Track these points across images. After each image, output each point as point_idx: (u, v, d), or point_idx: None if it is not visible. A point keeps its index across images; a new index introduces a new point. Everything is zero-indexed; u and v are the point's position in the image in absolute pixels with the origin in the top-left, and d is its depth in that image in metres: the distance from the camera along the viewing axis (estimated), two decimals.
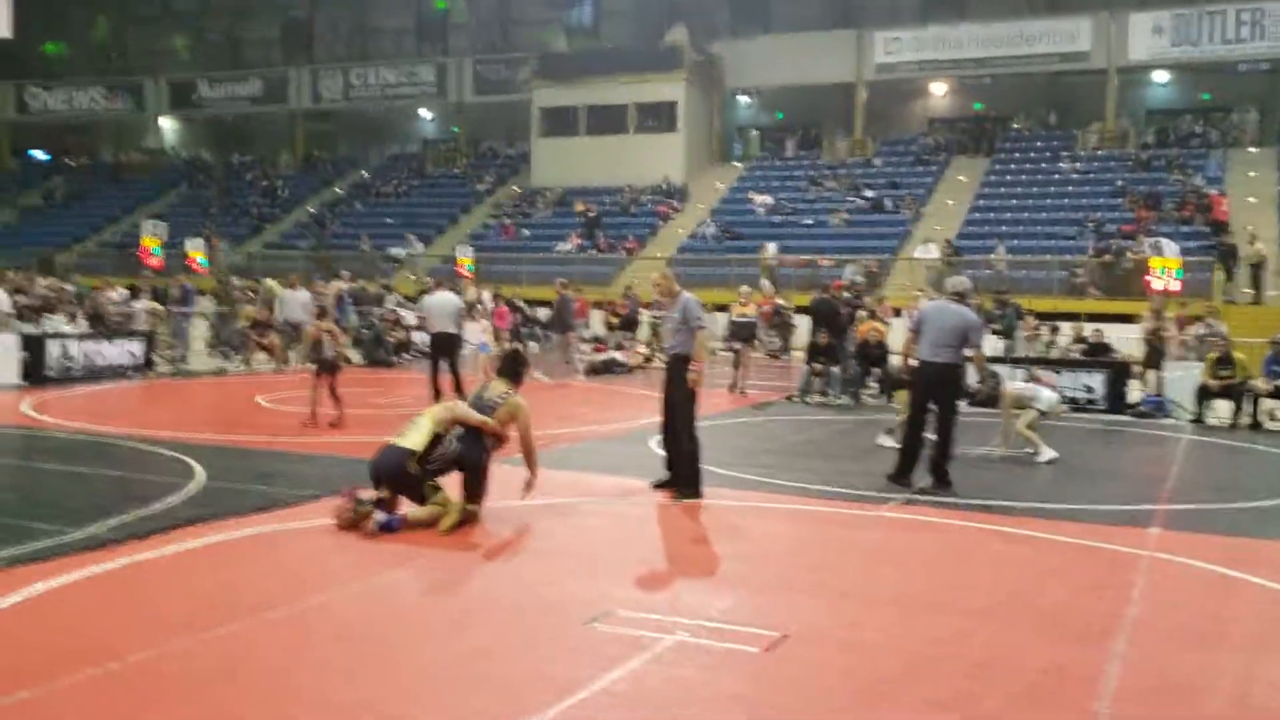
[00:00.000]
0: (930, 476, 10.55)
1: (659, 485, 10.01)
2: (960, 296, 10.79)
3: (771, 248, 33.89)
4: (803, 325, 29.32)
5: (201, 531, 7.96)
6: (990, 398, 13.57)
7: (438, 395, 15.29)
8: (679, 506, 9.51)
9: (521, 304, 30.35)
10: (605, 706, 4.92)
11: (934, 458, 10.57)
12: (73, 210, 48.05)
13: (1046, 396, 13.12)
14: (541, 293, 31.89)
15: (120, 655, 5.37)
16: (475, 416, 8.57)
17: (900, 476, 10.54)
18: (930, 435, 10.68)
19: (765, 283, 31.77)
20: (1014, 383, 13.91)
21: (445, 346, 16.25)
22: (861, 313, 20.64)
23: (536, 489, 8.82)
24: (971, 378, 11.18)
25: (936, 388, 10.50)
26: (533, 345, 29.84)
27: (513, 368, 9.15)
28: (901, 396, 13.64)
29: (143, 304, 21.92)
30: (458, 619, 6.16)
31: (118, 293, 22.25)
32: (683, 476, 9.84)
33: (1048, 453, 12.59)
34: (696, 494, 9.70)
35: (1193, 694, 5.37)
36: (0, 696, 4.84)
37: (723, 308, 29.66)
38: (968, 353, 10.60)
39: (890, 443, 12.98)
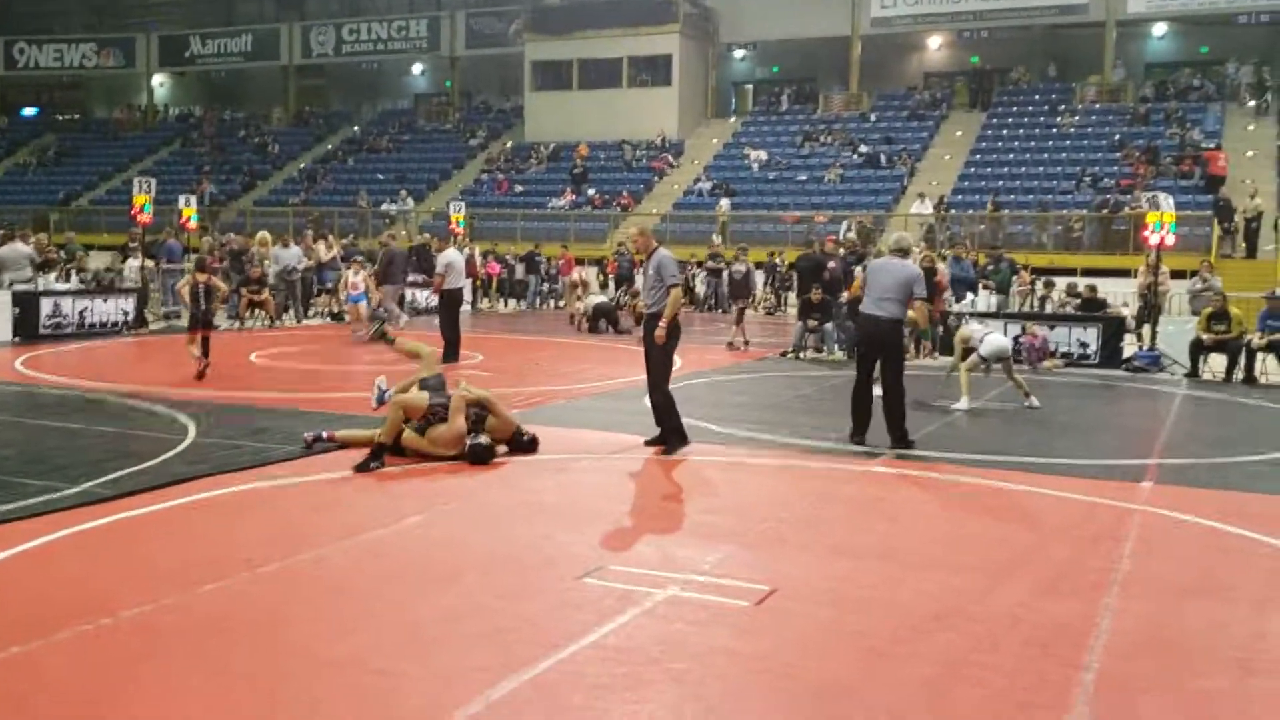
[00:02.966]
0: (890, 436, 10.22)
1: (651, 442, 10.01)
2: (903, 253, 10.68)
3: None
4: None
5: (194, 487, 7.97)
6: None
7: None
8: (671, 462, 9.52)
9: (509, 259, 30.35)
10: (597, 660, 4.93)
11: (890, 417, 10.25)
12: (65, 167, 47.79)
13: (992, 341, 13.18)
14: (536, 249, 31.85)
15: (113, 610, 5.37)
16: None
17: (857, 435, 10.35)
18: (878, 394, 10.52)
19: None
20: (967, 325, 14.05)
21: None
22: (858, 269, 20.65)
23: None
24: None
25: (880, 341, 10.31)
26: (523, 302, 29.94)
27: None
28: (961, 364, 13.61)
29: (134, 261, 21.84)
30: (450, 574, 6.16)
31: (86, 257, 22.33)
32: (666, 431, 9.85)
33: (964, 403, 12.71)
34: (683, 443, 9.75)
35: (1183, 647, 5.39)
36: None
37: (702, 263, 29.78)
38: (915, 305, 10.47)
39: (966, 405, 12.87)
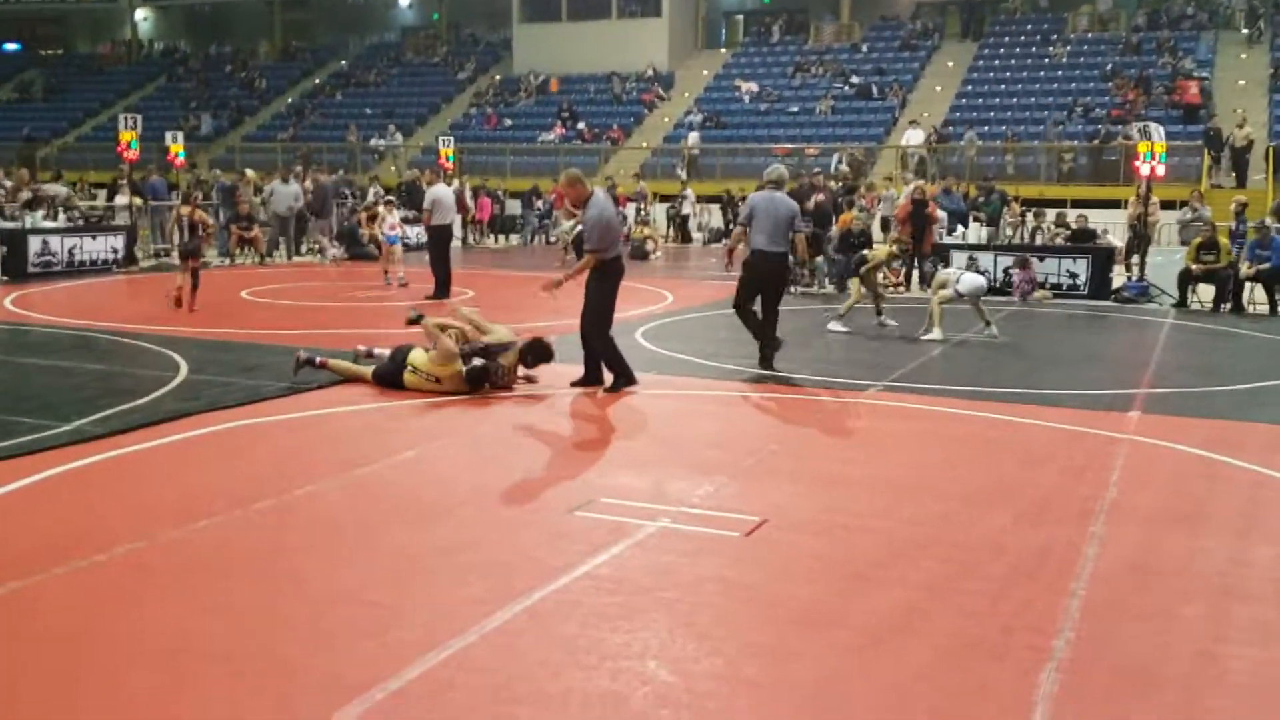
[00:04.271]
0: (760, 349, 10.79)
1: (576, 382, 9.85)
2: (778, 184, 11.05)
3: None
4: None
5: (187, 425, 7.99)
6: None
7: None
8: (661, 396, 9.56)
9: (500, 194, 30.19)
10: (589, 590, 4.99)
11: (767, 331, 10.82)
12: (51, 103, 47.26)
13: (969, 280, 13.42)
14: (525, 184, 31.70)
15: (107, 547, 5.41)
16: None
17: (767, 363, 10.71)
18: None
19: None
20: (944, 271, 14.20)
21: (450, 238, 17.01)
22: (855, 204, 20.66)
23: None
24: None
25: (773, 276, 10.75)
26: (514, 237, 29.84)
27: None
28: (855, 285, 14.01)
29: (122, 199, 21.70)
30: (443, 509, 6.21)
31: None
32: (609, 369, 9.73)
33: (936, 333, 12.96)
34: (622, 385, 9.61)
35: (1168, 574, 5.46)
36: None
37: (714, 198, 29.65)
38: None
39: (840, 327, 13.17)
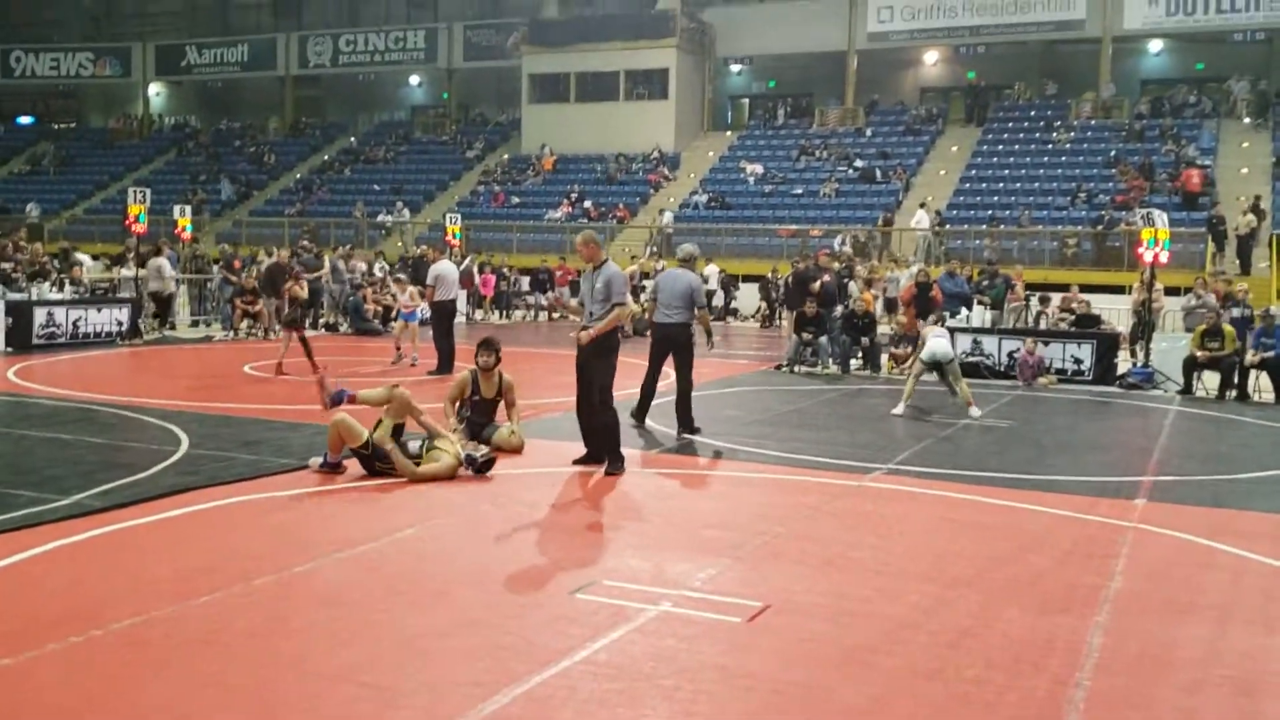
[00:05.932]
0: (679, 425, 11.40)
1: (579, 460, 9.72)
2: (686, 262, 11.68)
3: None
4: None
5: (187, 500, 7.95)
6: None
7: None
8: (664, 476, 9.53)
9: (506, 271, 30.29)
10: (588, 676, 4.93)
11: (681, 406, 11.41)
12: (62, 176, 47.77)
13: (932, 346, 13.49)
14: (532, 261, 31.86)
15: (104, 623, 5.37)
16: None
17: (639, 415, 11.56)
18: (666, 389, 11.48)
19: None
20: (927, 326, 14.25)
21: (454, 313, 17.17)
22: (852, 284, 20.74)
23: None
24: (701, 336, 11.90)
25: (670, 344, 11.35)
26: (517, 314, 29.91)
27: None
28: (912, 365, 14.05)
29: (128, 271, 21.82)
30: (442, 588, 6.16)
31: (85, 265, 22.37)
32: (604, 450, 9.59)
33: (900, 407, 13.25)
34: (620, 468, 9.46)
35: (1174, 665, 5.39)
36: None
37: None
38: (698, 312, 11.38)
39: (901, 410, 13.23)
